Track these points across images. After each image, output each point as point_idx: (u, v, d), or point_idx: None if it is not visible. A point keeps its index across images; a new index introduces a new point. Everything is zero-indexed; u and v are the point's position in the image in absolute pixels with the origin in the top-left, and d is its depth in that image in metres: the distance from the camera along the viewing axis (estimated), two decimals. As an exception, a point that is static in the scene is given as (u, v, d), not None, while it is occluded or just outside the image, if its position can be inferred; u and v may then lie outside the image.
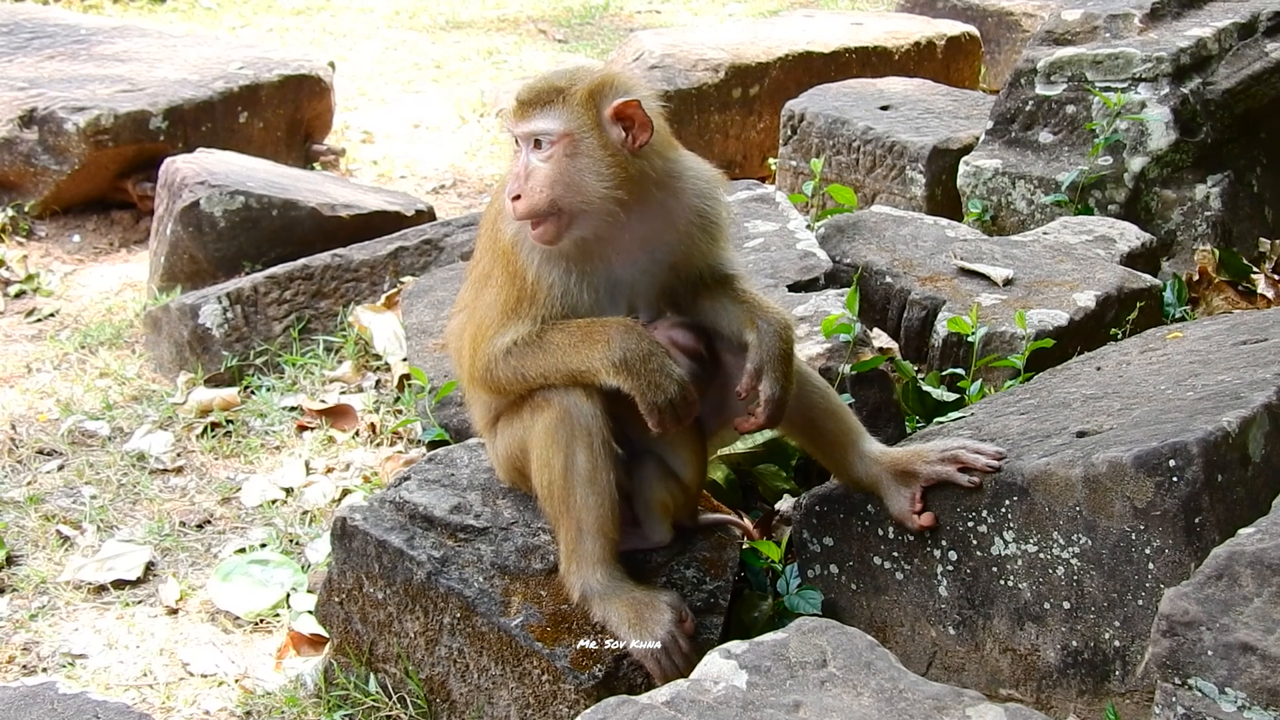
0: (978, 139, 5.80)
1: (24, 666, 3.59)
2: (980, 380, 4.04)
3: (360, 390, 4.85)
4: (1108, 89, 5.42)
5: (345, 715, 3.25)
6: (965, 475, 3.06)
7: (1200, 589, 2.41)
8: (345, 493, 4.25)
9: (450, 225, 5.52)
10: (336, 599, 3.30)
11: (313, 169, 7.16)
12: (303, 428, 4.67)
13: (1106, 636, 2.89)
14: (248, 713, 3.37)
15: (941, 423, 3.57)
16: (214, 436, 4.66)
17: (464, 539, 3.20)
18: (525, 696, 3.01)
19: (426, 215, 5.96)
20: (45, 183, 6.46)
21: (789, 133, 6.42)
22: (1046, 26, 5.80)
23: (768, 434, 3.68)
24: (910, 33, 7.83)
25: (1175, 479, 2.78)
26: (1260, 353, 3.27)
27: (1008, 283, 4.46)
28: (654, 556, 3.24)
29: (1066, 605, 2.94)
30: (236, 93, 6.95)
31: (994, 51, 8.47)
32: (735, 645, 2.65)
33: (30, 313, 5.79)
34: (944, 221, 4.99)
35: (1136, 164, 5.35)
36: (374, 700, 3.24)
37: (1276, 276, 5.13)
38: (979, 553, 3.06)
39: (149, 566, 3.99)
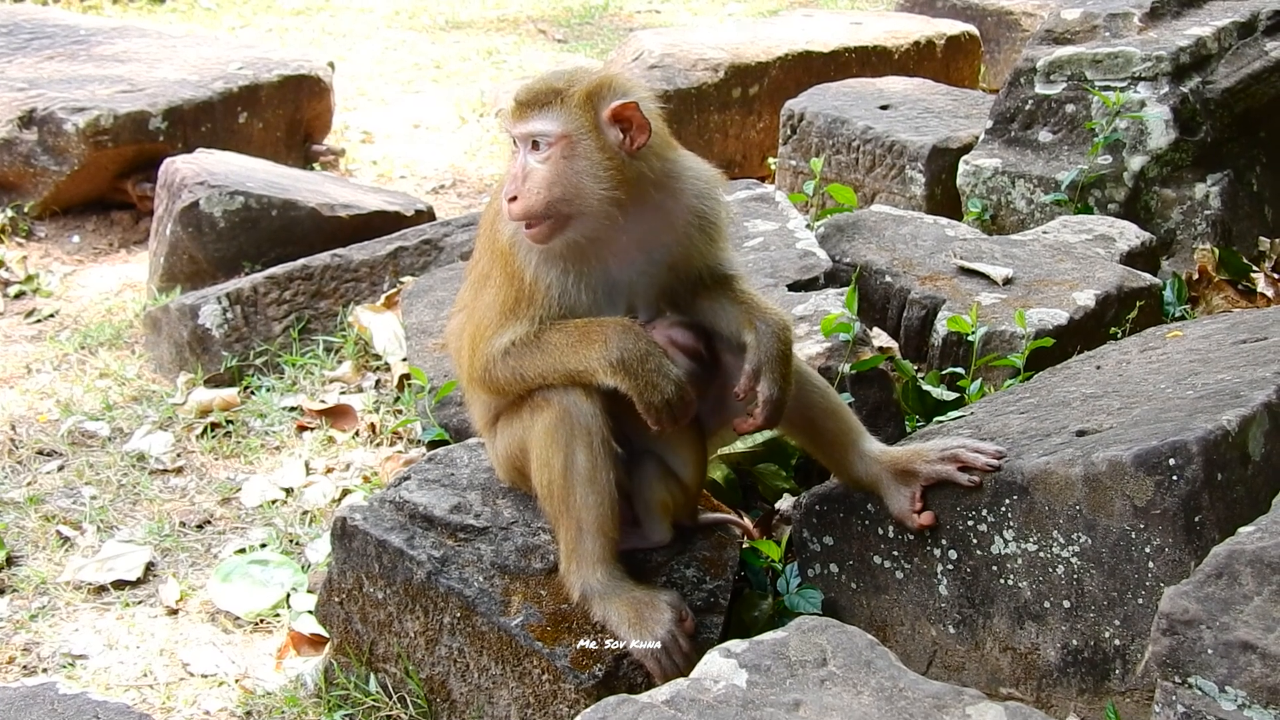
0: (977, 138, 5.80)
1: (24, 667, 3.59)
2: (980, 379, 4.04)
3: (360, 390, 4.85)
4: (1107, 88, 5.42)
5: (345, 715, 3.25)
6: (965, 474, 3.06)
7: (1200, 587, 2.41)
8: (345, 493, 4.25)
9: (450, 225, 5.52)
10: (336, 599, 3.30)
11: (312, 169, 7.16)
12: (303, 428, 4.67)
13: (1106, 635, 2.89)
14: (248, 713, 3.37)
15: (941, 422, 3.57)
16: (214, 437, 4.66)
17: (464, 539, 3.20)
18: (525, 696, 3.01)
19: (426, 215, 5.96)
20: (45, 183, 6.46)
21: (788, 132, 6.42)
22: (1046, 26, 5.80)
23: (767, 433, 3.68)
24: (910, 32, 7.83)
25: (1175, 478, 2.78)
26: (1260, 351, 3.27)
27: (1007, 282, 4.46)
28: (654, 556, 3.24)
29: (1066, 604, 2.94)
30: (236, 93, 6.95)
31: (993, 51, 8.47)
32: (735, 644, 2.65)
33: (30, 313, 5.79)
34: (944, 221, 4.99)
35: (1136, 163, 5.35)
36: (374, 700, 3.24)
37: (1276, 275, 5.13)
38: (979, 552, 3.06)
39: (149, 567, 3.99)
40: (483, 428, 3.28)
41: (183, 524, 4.20)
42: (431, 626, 3.13)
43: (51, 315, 5.77)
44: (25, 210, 6.48)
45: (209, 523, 4.23)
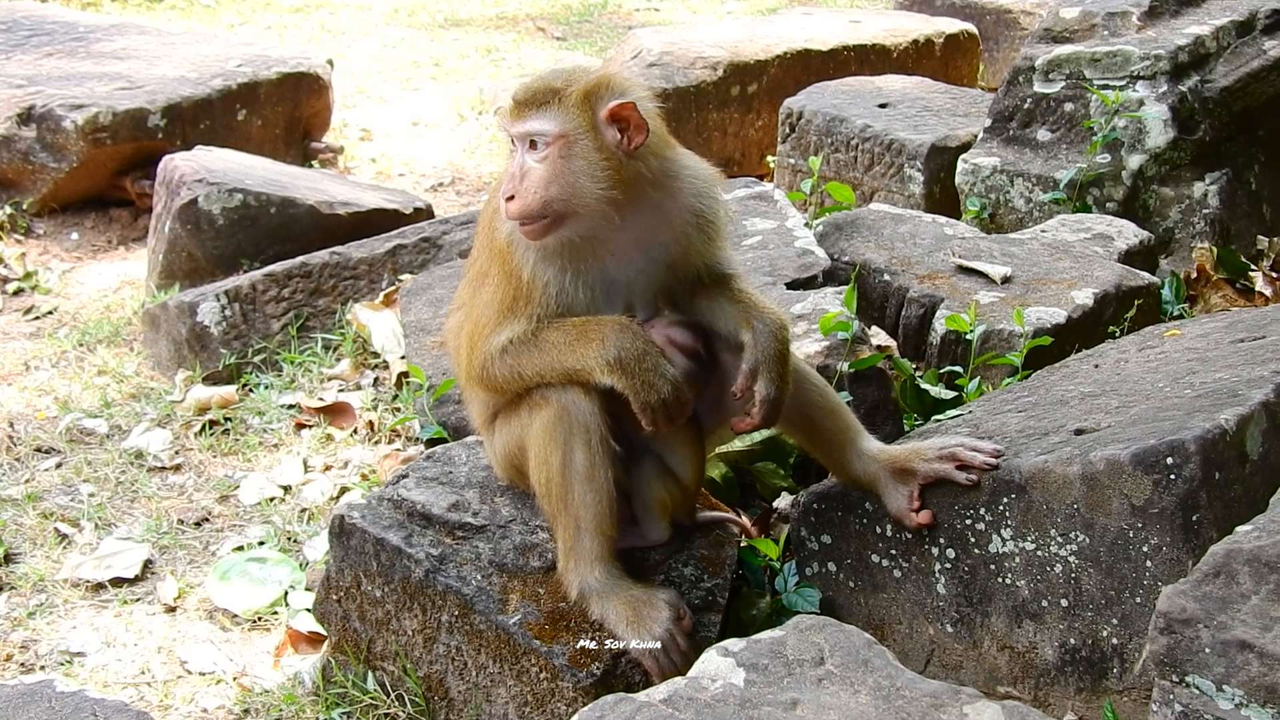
0: (976, 137, 5.80)
1: (22, 664, 3.59)
2: (978, 378, 4.04)
3: (358, 388, 4.85)
4: (1106, 87, 5.42)
5: (343, 713, 3.25)
6: (963, 473, 3.06)
7: (1198, 587, 2.41)
8: (343, 490, 4.25)
9: (448, 223, 5.51)
10: (334, 597, 3.30)
11: (311, 167, 7.16)
12: (301, 425, 4.67)
13: (1104, 634, 2.90)
14: (246, 710, 3.37)
15: (939, 420, 3.57)
16: (212, 434, 4.66)
17: (462, 537, 3.20)
18: (523, 694, 3.02)
19: (425, 213, 5.96)
20: (43, 180, 6.46)
21: (787, 130, 6.42)
22: (1045, 24, 5.80)
23: (766, 432, 3.68)
24: (909, 30, 7.83)
25: (1173, 477, 2.78)
26: (1258, 350, 3.27)
27: (1006, 280, 4.46)
28: (652, 554, 3.25)
29: (1064, 603, 2.94)
30: (235, 90, 6.95)
31: (992, 49, 8.47)
32: (733, 643, 2.65)
33: (28, 310, 5.79)
34: (942, 219, 4.99)
35: (1134, 162, 5.35)
36: (372, 698, 3.24)
37: (1274, 274, 5.13)
38: (977, 550, 3.06)
39: (147, 564, 3.99)
40: (481, 426, 3.28)
41: (181, 521, 4.20)
42: (429, 624, 3.13)
43: (50, 312, 5.76)
44: (24, 207, 6.48)
45: (207, 520, 4.23)
